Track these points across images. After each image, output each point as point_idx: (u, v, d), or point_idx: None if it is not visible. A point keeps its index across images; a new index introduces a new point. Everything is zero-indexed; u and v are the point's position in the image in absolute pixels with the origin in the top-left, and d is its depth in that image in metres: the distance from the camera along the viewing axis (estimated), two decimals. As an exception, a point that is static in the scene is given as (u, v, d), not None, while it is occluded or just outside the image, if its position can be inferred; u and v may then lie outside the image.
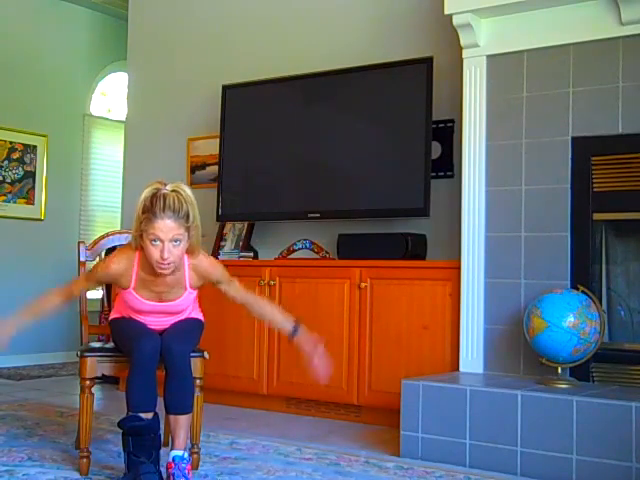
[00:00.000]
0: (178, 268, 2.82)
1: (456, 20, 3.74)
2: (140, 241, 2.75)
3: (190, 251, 2.82)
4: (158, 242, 2.69)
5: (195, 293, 2.96)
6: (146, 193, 2.74)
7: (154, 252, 2.70)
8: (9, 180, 6.37)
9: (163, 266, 2.72)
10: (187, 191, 2.76)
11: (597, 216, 3.49)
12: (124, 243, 3.34)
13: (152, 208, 2.68)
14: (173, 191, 2.73)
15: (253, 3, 5.15)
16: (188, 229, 2.74)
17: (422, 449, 3.30)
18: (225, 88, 4.89)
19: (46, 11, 6.64)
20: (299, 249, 4.53)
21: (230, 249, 4.81)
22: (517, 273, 3.62)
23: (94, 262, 3.56)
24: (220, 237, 4.91)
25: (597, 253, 3.53)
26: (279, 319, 3.02)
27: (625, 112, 3.41)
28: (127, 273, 2.83)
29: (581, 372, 3.42)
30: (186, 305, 2.94)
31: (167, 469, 2.76)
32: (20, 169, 6.44)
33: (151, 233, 2.69)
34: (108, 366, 3.01)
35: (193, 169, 5.33)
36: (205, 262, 2.91)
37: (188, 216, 2.72)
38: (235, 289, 3.00)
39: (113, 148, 7.10)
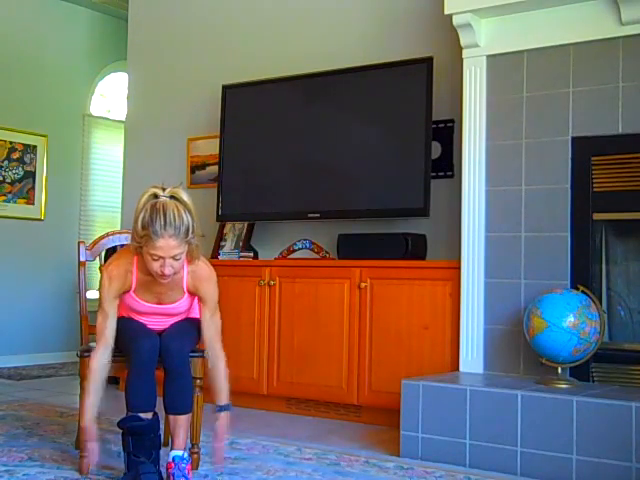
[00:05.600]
0: (177, 271, 2.81)
1: (456, 20, 3.74)
2: (139, 249, 2.72)
3: (189, 257, 2.80)
4: (159, 258, 2.68)
5: (194, 297, 2.95)
6: (144, 201, 2.66)
7: (154, 265, 2.68)
8: (9, 180, 6.37)
9: (163, 278, 2.71)
10: (185, 197, 2.69)
11: (597, 216, 3.49)
12: (124, 244, 3.35)
13: (152, 225, 2.60)
14: (172, 197, 2.66)
15: (253, 3, 5.15)
16: (188, 241, 2.71)
17: (422, 449, 3.30)
18: (225, 88, 4.89)
19: (46, 11, 6.64)
20: (299, 249, 4.53)
21: (230, 249, 4.81)
22: (517, 273, 3.62)
23: (94, 262, 3.57)
24: (220, 237, 4.91)
25: (597, 253, 3.53)
26: (220, 387, 2.87)
27: (625, 112, 3.41)
28: (127, 276, 2.82)
29: (581, 372, 3.42)
30: (185, 308, 2.94)
31: (167, 469, 2.77)
32: (20, 169, 6.44)
33: (153, 253, 2.65)
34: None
35: (193, 169, 5.33)
36: (203, 270, 2.87)
37: (188, 230, 2.66)
38: (213, 323, 2.89)
39: (113, 148, 7.10)
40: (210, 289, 2.89)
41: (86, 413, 2.75)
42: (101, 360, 2.79)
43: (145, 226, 2.62)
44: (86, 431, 2.75)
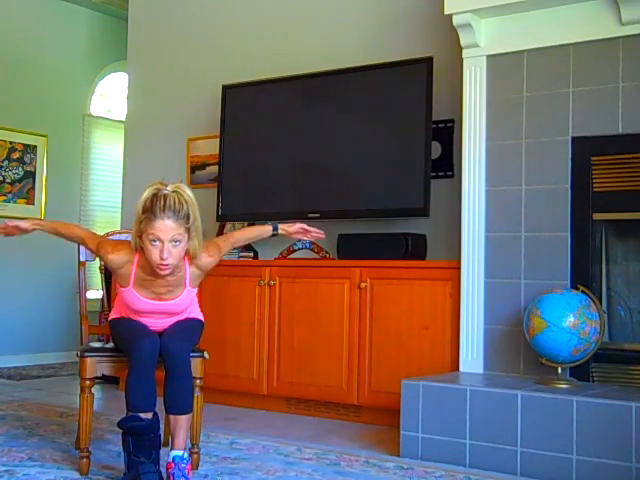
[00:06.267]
0: (179, 269, 2.82)
1: (456, 20, 3.74)
2: (140, 242, 2.75)
3: (192, 256, 2.82)
4: (158, 242, 2.69)
5: (194, 292, 2.96)
6: (147, 193, 2.74)
7: (153, 252, 2.70)
8: (9, 180, 6.37)
9: (162, 267, 2.72)
10: (188, 192, 2.76)
11: (597, 216, 3.49)
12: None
13: (152, 208, 2.69)
14: (174, 192, 2.73)
15: (253, 3, 5.15)
16: (188, 230, 2.74)
17: (422, 449, 3.30)
18: (225, 88, 4.89)
19: (46, 11, 6.64)
20: (299, 249, 4.53)
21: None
22: (517, 273, 3.62)
23: (94, 262, 3.57)
24: (220, 237, 4.91)
25: (597, 253, 3.53)
26: (260, 232, 3.21)
27: (625, 112, 3.41)
28: (125, 270, 2.84)
29: (581, 372, 3.42)
30: (185, 305, 2.94)
31: (167, 469, 2.76)
32: (20, 169, 6.44)
33: (151, 233, 2.69)
34: (108, 366, 3.01)
35: (193, 169, 5.33)
36: (205, 257, 2.92)
37: (188, 217, 2.73)
38: (224, 247, 3.04)
39: (113, 148, 7.10)
40: (216, 255, 2.96)
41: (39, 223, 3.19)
42: (75, 230, 3.20)
43: (145, 209, 2.71)
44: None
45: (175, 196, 2.71)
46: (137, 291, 2.86)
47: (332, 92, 4.49)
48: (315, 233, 3.26)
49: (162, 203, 2.68)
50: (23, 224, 3.13)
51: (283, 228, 3.20)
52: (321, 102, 4.53)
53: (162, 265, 2.72)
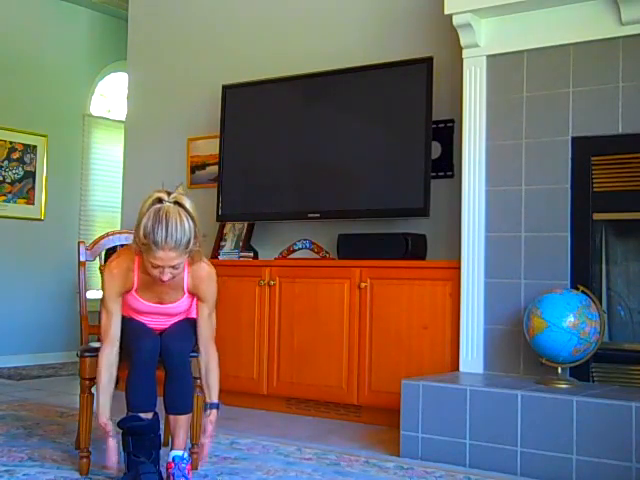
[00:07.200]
0: (177, 275, 2.80)
1: (456, 20, 3.74)
2: (140, 251, 2.72)
3: (191, 260, 2.80)
4: (158, 267, 2.67)
5: (194, 296, 2.94)
6: (148, 205, 2.64)
7: (153, 271, 2.69)
8: (9, 180, 6.37)
9: (162, 281, 2.71)
10: (188, 204, 2.67)
11: (597, 216, 3.49)
12: (124, 244, 3.35)
13: (154, 235, 2.59)
14: (175, 203, 2.64)
15: (253, 3, 5.15)
16: (189, 251, 2.70)
17: (422, 449, 3.30)
18: (225, 88, 4.89)
19: (46, 11, 6.64)
20: (299, 249, 4.53)
21: (230, 249, 4.81)
22: (517, 273, 3.62)
23: (94, 262, 3.57)
24: (220, 237, 4.91)
25: (597, 253, 3.53)
26: (212, 385, 2.87)
27: (625, 112, 3.41)
28: (129, 274, 2.82)
29: (581, 372, 3.42)
30: (185, 307, 2.94)
31: (167, 469, 2.77)
32: (20, 169, 6.44)
33: (152, 261, 2.65)
34: (108, 366, 3.01)
35: (193, 169, 5.33)
36: (204, 270, 2.86)
37: (189, 242, 2.65)
38: (210, 322, 2.90)
39: (113, 148, 7.10)
40: (210, 289, 2.89)
41: (100, 412, 2.75)
42: (108, 358, 2.80)
43: (146, 235, 2.61)
44: (103, 429, 2.75)
45: (177, 216, 2.61)
46: (139, 294, 2.85)
47: (332, 92, 4.49)
48: (204, 449, 2.83)
49: (164, 233, 2.58)
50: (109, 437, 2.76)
51: (212, 418, 2.81)
52: (321, 102, 4.53)
53: (162, 280, 2.71)
